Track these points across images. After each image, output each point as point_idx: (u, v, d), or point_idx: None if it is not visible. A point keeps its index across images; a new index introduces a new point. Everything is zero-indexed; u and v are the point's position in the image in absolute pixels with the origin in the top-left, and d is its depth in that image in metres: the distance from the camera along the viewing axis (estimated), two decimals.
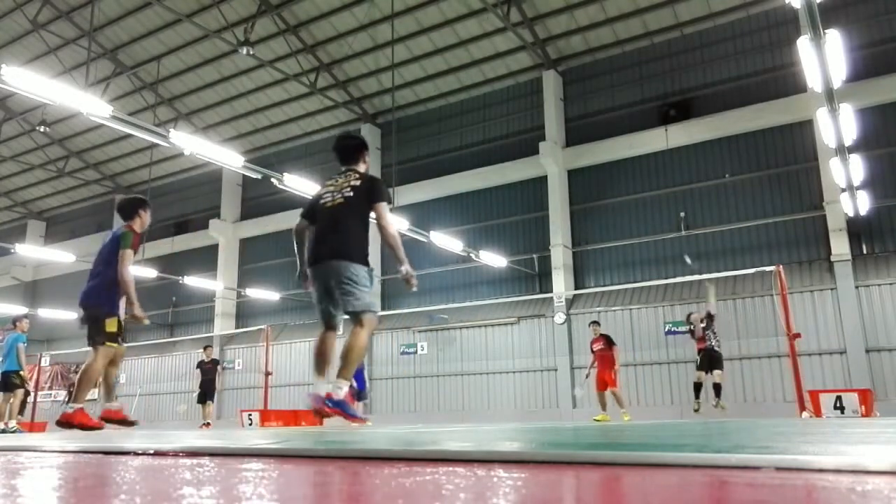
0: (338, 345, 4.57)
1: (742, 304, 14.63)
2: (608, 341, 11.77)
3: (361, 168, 4.73)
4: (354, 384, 4.73)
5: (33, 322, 26.61)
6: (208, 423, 14.06)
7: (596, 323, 12.44)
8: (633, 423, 8.64)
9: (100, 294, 5.56)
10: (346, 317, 4.50)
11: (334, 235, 4.44)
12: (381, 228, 4.49)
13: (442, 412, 17.43)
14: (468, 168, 18.98)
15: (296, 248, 4.76)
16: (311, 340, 21.18)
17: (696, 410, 11.01)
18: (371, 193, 4.50)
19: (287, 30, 18.36)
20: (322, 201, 4.58)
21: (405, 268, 4.52)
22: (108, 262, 5.61)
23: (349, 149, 4.76)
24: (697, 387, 10.99)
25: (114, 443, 2.56)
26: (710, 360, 10.88)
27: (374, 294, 4.47)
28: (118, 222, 23.05)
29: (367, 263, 4.46)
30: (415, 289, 4.62)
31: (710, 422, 6.61)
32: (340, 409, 4.25)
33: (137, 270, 20.14)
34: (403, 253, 4.55)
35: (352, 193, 4.48)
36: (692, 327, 11.17)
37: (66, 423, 5.49)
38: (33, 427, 16.05)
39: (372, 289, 4.45)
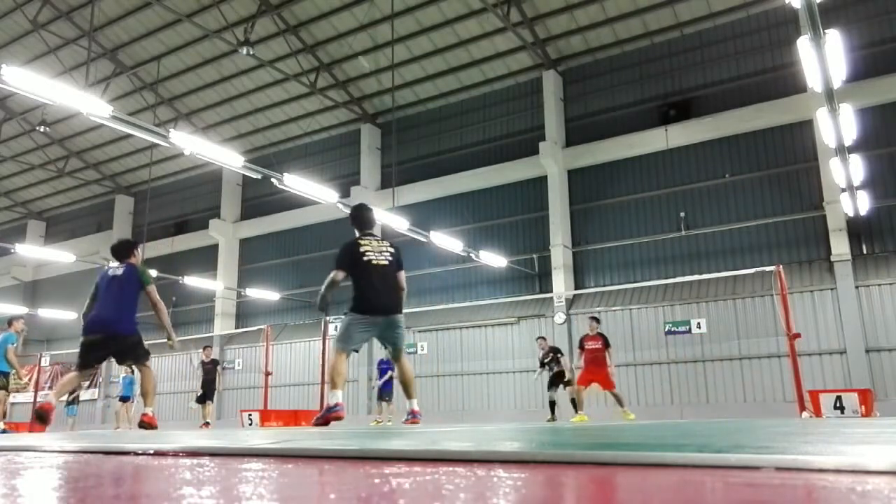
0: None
1: (742, 304, 14.63)
2: (606, 342, 11.38)
3: (377, 232, 6.16)
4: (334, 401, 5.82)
5: (33, 322, 26.66)
6: (208, 423, 14.07)
7: (595, 319, 11.78)
8: (633, 422, 8.63)
9: (128, 320, 6.08)
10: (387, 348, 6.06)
11: (391, 293, 5.73)
12: (402, 290, 5.86)
13: (442, 412, 17.43)
14: (468, 168, 18.98)
15: (328, 289, 5.76)
16: (311, 340, 21.18)
17: (550, 420, 12.50)
18: (400, 262, 5.87)
19: (287, 30, 18.36)
20: (366, 258, 5.66)
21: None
22: (125, 292, 6.09)
23: (372, 218, 6.09)
24: (552, 404, 12.63)
25: (114, 443, 2.56)
26: (557, 379, 12.64)
27: None
28: (119, 222, 22.99)
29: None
30: None
31: (710, 422, 6.61)
32: (417, 418, 5.86)
33: None
34: None
35: (391, 259, 5.77)
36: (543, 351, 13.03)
37: (149, 424, 6.20)
38: (33, 427, 16.03)
39: None
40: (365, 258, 5.64)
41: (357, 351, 5.89)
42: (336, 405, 5.54)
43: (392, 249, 5.81)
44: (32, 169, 25.85)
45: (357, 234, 5.93)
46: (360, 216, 5.98)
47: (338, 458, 1.72)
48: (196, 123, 22.49)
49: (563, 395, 12.75)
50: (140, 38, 19.72)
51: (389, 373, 14.56)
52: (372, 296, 5.63)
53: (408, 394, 5.88)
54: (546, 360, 12.93)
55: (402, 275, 5.86)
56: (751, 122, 15.54)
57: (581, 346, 11.55)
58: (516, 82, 19.10)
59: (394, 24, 16.30)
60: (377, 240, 5.85)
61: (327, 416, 5.61)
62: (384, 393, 14.95)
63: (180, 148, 11.77)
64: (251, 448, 2.03)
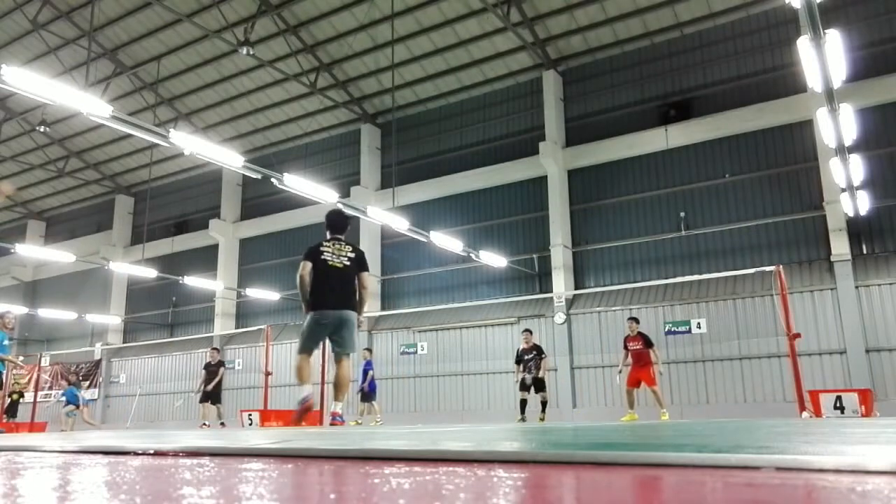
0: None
1: (742, 304, 14.63)
2: (647, 341, 11.71)
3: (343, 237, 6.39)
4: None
5: (33, 322, 26.60)
6: (206, 424, 14.08)
7: (635, 320, 12.07)
8: (634, 423, 8.65)
9: None
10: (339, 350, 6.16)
11: (346, 292, 6.11)
12: (364, 289, 6.23)
13: (442, 412, 17.43)
14: (468, 168, 18.97)
15: (302, 289, 6.12)
16: None
17: (521, 420, 12.43)
18: (362, 264, 6.27)
19: (287, 30, 18.35)
20: (323, 257, 6.10)
21: (364, 317, 6.33)
22: None
23: (345, 223, 6.43)
24: (523, 404, 12.45)
25: (114, 443, 2.56)
26: (535, 384, 12.41)
27: None
28: (119, 222, 23.10)
29: None
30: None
31: (710, 422, 6.62)
32: (342, 420, 6.27)
33: (137, 270, 20.20)
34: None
35: (349, 263, 6.17)
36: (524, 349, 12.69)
37: None
38: (33, 427, 16.05)
39: None
40: (322, 257, 6.09)
41: (315, 350, 6.30)
42: (304, 397, 5.94)
43: (353, 254, 6.22)
44: (32, 169, 25.84)
45: (328, 235, 6.34)
46: (331, 221, 6.42)
47: (338, 458, 1.72)
48: (196, 123, 22.48)
49: (533, 396, 12.47)
50: (140, 38, 19.72)
51: (370, 372, 14.81)
52: (324, 292, 6.05)
53: (336, 396, 6.11)
54: (528, 357, 12.50)
55: (366, 276, 6.26)
56: (751, 122, 15.52)
57: (625, 347, 11.97)
58: (516, 82, 19.10)
59: (394, 24, 16.30)
60: (341, 243, 6.25)
61: (300, 409, 6.00)
62: (370, 394, 14.98)
63: (180, 148, 11.75)
64: (251, 448, 2.03)
